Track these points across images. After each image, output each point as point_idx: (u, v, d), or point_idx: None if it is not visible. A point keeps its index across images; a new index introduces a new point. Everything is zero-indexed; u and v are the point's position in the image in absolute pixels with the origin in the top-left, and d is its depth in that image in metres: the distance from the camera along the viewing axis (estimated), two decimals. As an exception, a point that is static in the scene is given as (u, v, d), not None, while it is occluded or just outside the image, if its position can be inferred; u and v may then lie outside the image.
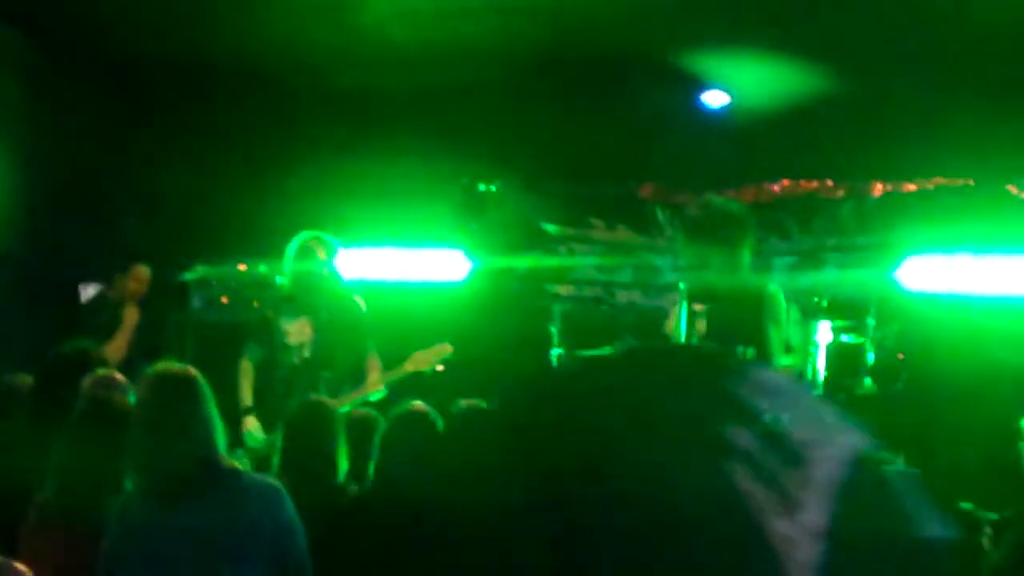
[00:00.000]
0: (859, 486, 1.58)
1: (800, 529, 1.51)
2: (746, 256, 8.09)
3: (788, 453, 1.58)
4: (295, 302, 8.54)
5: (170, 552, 4.66)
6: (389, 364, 8.54)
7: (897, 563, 1.56)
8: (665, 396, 1.63)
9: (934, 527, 1.62)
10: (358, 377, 8.25)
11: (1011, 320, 9.92)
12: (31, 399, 6.01)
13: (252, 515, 4.74)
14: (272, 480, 5.05)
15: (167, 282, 10.19)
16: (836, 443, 1.63)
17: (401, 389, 8.19)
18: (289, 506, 4.84)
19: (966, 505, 7.20)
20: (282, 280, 9.03)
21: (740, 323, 7.81)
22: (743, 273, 7.99)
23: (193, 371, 4.92)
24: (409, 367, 8.38)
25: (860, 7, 9.29)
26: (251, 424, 8.14)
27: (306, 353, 8.39)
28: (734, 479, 1.52)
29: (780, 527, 1.52)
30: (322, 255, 8.51)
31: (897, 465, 7.28)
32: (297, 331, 8.46)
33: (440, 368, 8.55)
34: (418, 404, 6.02)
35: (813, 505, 1.55)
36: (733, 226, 8.06)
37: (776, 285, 8.16)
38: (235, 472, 4.85)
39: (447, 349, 8.66)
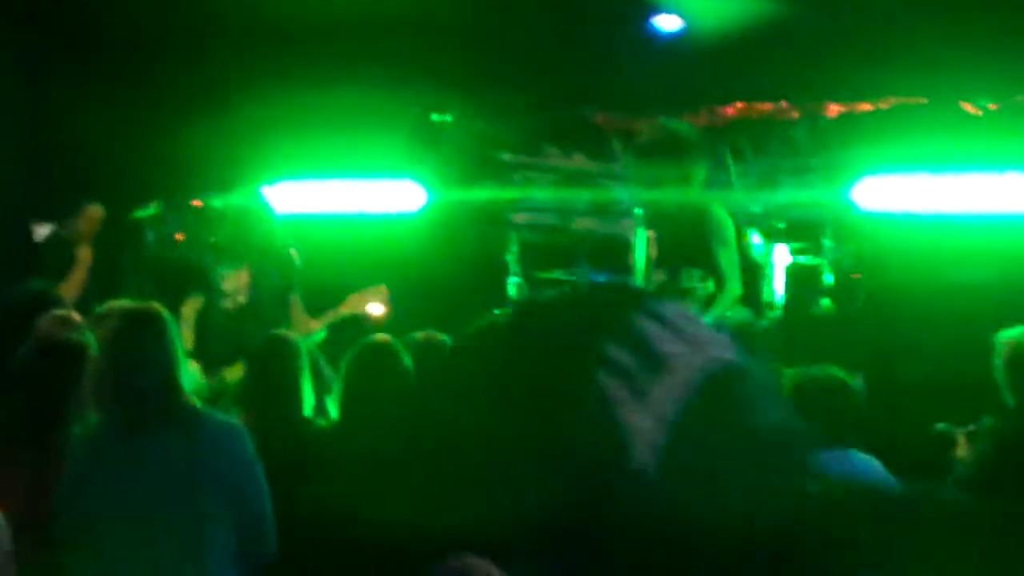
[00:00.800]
0: (714, 386, 1.64)
1: (648, 418, 1.59)
2: (697, 176, 8.10)
3: (653, 359, 1.65)
4: (231, 250, 8.49)
5: (130, 482, 4.69)
6: (342, 297, 8.53)
7: (736, 448, 1.63)
8: (571, 331, 1.71)
9: (775, 417, 1.69)
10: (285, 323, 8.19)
11: (966, 238, 9.97)
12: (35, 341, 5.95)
13: (210, 451, 4.78)
14: (232, 419, 5.12)
15: (121, 221, 10.10)
16: (703, 354, 1.69)
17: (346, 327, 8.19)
18: (249, 445, 4.87)
19: (942, 426, 7.19)
20: (219, 228, 9.07)
21: (687, 246, 7.86)
22: (694, 193, 8.01)
23: (159, 308, 4.96)
24: (344, 310, 8.34)
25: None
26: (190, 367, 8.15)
27: (241, 299, 8.33)
28: (603, 384, 1.61)
29: (631, 416, 1.61)
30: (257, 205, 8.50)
31: (856, 383, 7.31)
32: (233, 278, 8.43)
33: (377, 310, 8.52)
34: (382, 336, 6.03)
35: (664, 399, 1.62)
36: (682, 147, 8.09)
37: (721, 205, 8.19)
38: (195, 409, 4.90)
39: (383, 290, 8.66)
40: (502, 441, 1.73)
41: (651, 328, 1.69)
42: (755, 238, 9.62)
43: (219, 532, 4.76)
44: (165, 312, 4.98)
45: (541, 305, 1.88)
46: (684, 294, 7.09)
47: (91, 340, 5.19)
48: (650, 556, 1.67)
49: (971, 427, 6.63)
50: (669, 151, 8.08)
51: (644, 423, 1.65)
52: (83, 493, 4.75)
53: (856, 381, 7.33)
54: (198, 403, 5.04)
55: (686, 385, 1.69)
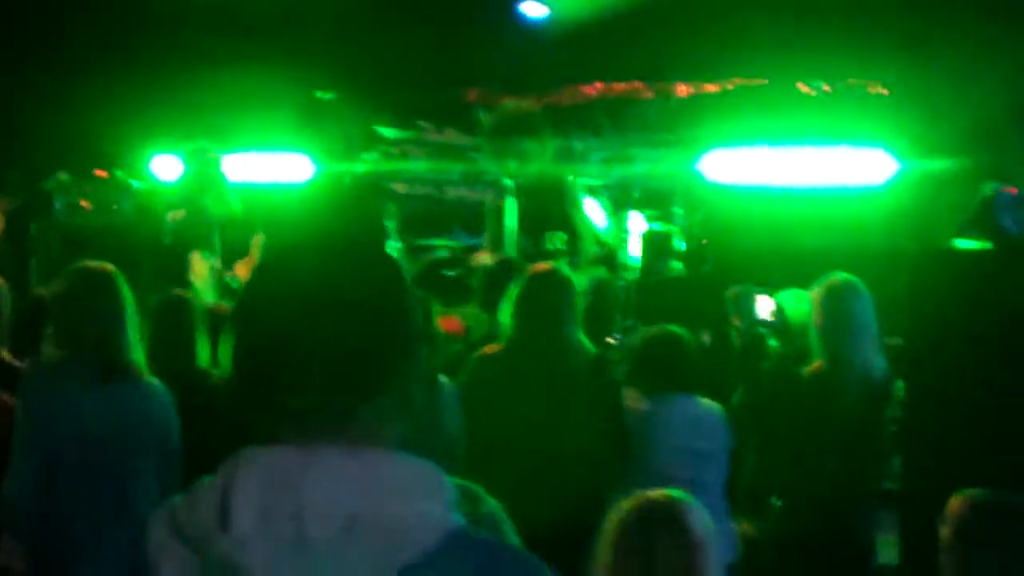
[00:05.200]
0: None
1: None
2: (548, 150, 8.21)
3: None
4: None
5: (87, 428, 4.75)
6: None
7: None
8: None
9: None
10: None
11: (803, 206, 10.13)
12: None
13: (147, 406, 4.88)
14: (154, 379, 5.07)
15: (31, 190, 10.03)
16: None
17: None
18: (172, 402, 4.96)
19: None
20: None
21: (547, 212, 7.97)
22: (547, 165, 8.12)
23: (114, 270, 4.96)
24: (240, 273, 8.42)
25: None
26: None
27: None
28: None
29: None
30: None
31: (704, 339, 7.48)
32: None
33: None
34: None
35: None
36: (530, 125, 8.19)
37: (574, 174, 8.32)
38: (137, 368, 4.92)
39: (258, 239, 8.77)
40: None
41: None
42: (610, 207, 9.73)
43: (150, 478, 4.85)
44: (117, 273, 4.96)
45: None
46: (547, 255, 7.19)
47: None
48: None
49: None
50: (520, 128, 8.20)
51: None
52: (38, 436, 4.75)
53: (704, 337, 7.55)
54: (139, 358, 4.98)
55: None
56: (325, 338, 1.66)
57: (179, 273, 8.08)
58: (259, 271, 1.80)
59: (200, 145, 9.52)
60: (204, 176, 9.05)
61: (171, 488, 4.81)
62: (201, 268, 8.35)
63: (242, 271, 8.44)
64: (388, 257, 1.83)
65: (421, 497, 1.62)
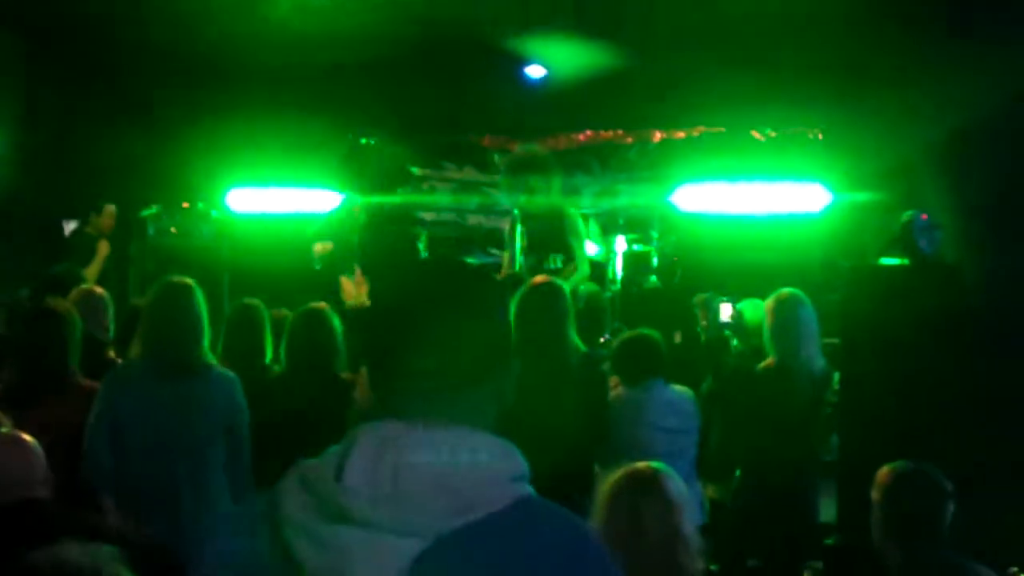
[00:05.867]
0: None
1: None
2: (555, 186, 8.18)
3: None
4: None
5: (160, 416, 4.69)
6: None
7: None
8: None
9: None
10: None
11: (755, 230, 10.11)
12: (29, 307, 5.81)
13: (218, 395, 4.81)
14: (230, 372, 5.00)
15: (129, 219, 10.04)
16: None
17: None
18: (241, 391, 4.88)
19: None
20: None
21: (550, 237, 7.92)
22: (554, 198, 8.09)
23: (192, 283, 4.90)
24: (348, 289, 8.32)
25: (646, 4, 9.41)
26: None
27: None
28: None
29: None
30: None
31: (675, 338, 7.47)
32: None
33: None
34: (319, 303, 5.76)
35: None
36: (538, 164, 8.14)
37: (574, 207, 8.29)
38: (208, 363, 4.88)
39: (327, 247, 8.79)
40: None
41: None
42: (600, 231, 9.69)
43: (218, 463, 4.80)
44: (195, 285, 4.90)
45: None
46: (550, 274, 7.18)
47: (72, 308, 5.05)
48: None
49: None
50: (532, 167, 8.16)
51: None
52: (121, 424, 4.67)
53: (676, 336, 7.54)
54: (210, 357, 4.95)
55: None
56: (443, 337, 1.70)
57: (330, 295, 7.92)
58: (389, 283, 1.84)
59: (349, 194, 9.60)
60: (347, 216, 9.06)
61: (239, 469, 4.89)
62: (350, 289, 8.32)
63: (349, 288, 8.32)
64: (494, 279, 1.86)
65: (496, 468, 1.65)
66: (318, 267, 9.20)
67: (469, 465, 1.63)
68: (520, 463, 1.69)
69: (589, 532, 1.73)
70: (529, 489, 1.67)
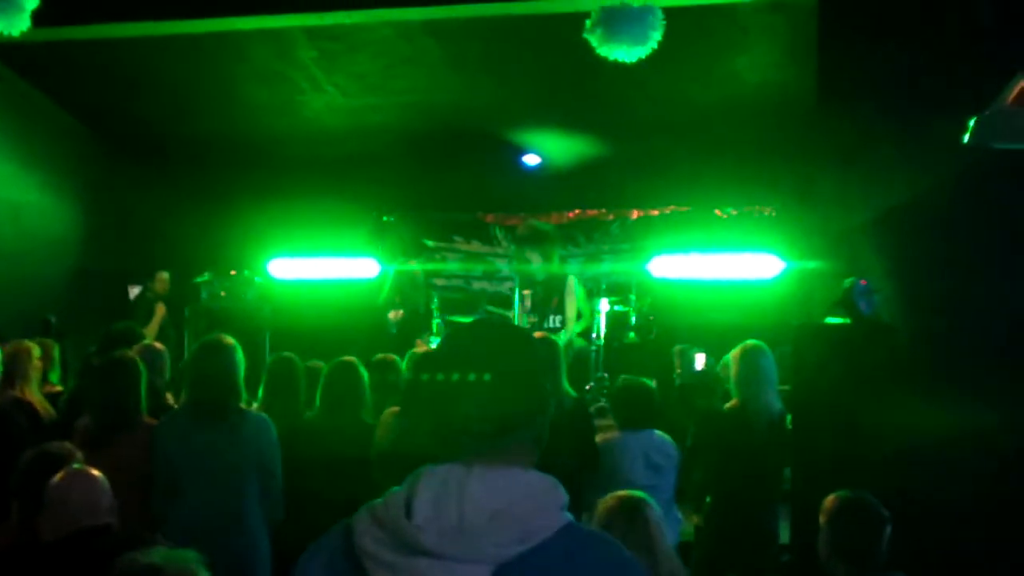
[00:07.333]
0: None
1: None
2: (555, 257, 8.19)
3: None
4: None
5: (203, 456, 4.64)
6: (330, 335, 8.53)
7: None
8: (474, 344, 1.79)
9: None
10: None
11: (719, 294, 10.14)
12: (95, 361, 5.79)
13: (252, 436, 4.71)
14: (263, 414, 4.95)
15: (184, 284, 10.07)
16: None
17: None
18: (274, 432, 4.79)
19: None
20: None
21: (549, 300, 7.93)
22: (554, 267, 8.09)
23: (232, 340, 4.84)
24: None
25: (624, 103, 9.49)
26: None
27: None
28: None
29: None
30: None
31: (652, 385, 7.48)
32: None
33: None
34: (349, 357, 5.58)
35: None
36: (544, 238, 8.14)
37: (572, 275, 8.30)
38: (242, 407, 4.80)
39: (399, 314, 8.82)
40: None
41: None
42: (585, 293, 9.71)
43: (254, 494, 4.68)
44: (234, 341, 4.82)
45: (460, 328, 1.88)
46: (547, 332, 7.13)
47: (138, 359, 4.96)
48: None
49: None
50: (536, 240, 8.16)
51: None
52: (171, 464, 4.62)
53: (652, 383, 7.53)
54: (245, 404, 4.86)
55: None
56: (494, 394, 1.67)
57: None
58: (447, 344, 1.78)
59: (385, 263, 9.64)
60: (414, 285, 9.07)
61: (272, 500, 4.75)
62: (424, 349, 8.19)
63: (423, 348, 8.06)
64: (534, 339, 1.82)
65: (544, 501, 1.65)
66: (394, 331, 9.19)
67: (523, 500, 1.63)
68: (562, 494, 1.68)
69: (627, 553, 1.71)
70: (569, 516, 1.67)
